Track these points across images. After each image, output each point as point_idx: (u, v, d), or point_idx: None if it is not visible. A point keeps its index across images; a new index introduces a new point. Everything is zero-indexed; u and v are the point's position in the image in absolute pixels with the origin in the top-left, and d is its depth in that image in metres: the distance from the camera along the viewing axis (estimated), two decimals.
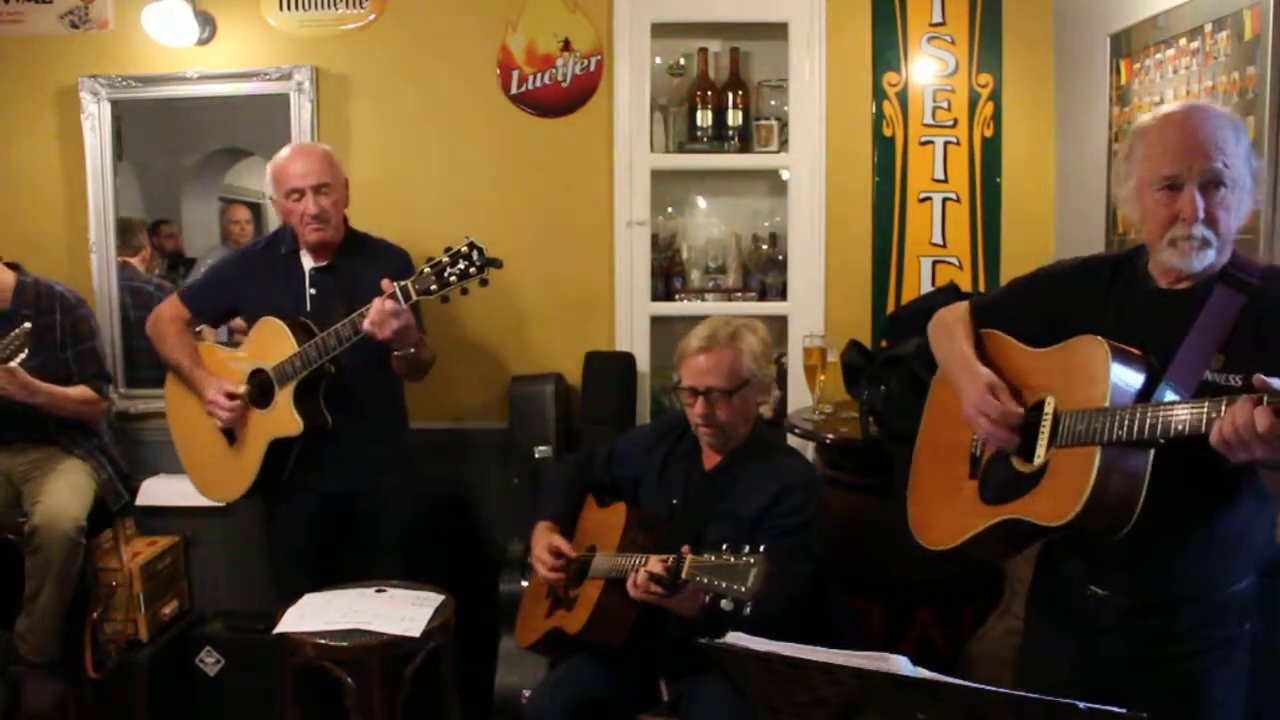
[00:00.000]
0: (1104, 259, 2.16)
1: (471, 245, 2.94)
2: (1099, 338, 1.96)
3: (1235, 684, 2.03)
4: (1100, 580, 2.07)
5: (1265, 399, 1.61)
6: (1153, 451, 1.84)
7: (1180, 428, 1.76)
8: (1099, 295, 2.10)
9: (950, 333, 2.30)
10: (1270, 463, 1.70)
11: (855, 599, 3.20)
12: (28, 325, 3.38)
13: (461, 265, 2.93)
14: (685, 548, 2.44)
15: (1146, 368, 1.92)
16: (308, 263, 3.37)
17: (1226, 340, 1.90)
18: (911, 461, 2.42)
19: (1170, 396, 1.86)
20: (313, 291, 3.34)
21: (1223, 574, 2.00)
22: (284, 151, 3.38)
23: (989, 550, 2.16)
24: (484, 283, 2.96)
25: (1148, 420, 1.80)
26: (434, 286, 2.95)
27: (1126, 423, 1.83)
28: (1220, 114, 1.95)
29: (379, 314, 2.99)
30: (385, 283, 3.01)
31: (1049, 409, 2.02)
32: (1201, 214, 1.90)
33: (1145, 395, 1.89)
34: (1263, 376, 1.63)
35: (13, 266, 3.72)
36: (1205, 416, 1.72)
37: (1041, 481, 1.99)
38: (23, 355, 3.36)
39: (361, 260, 3.37)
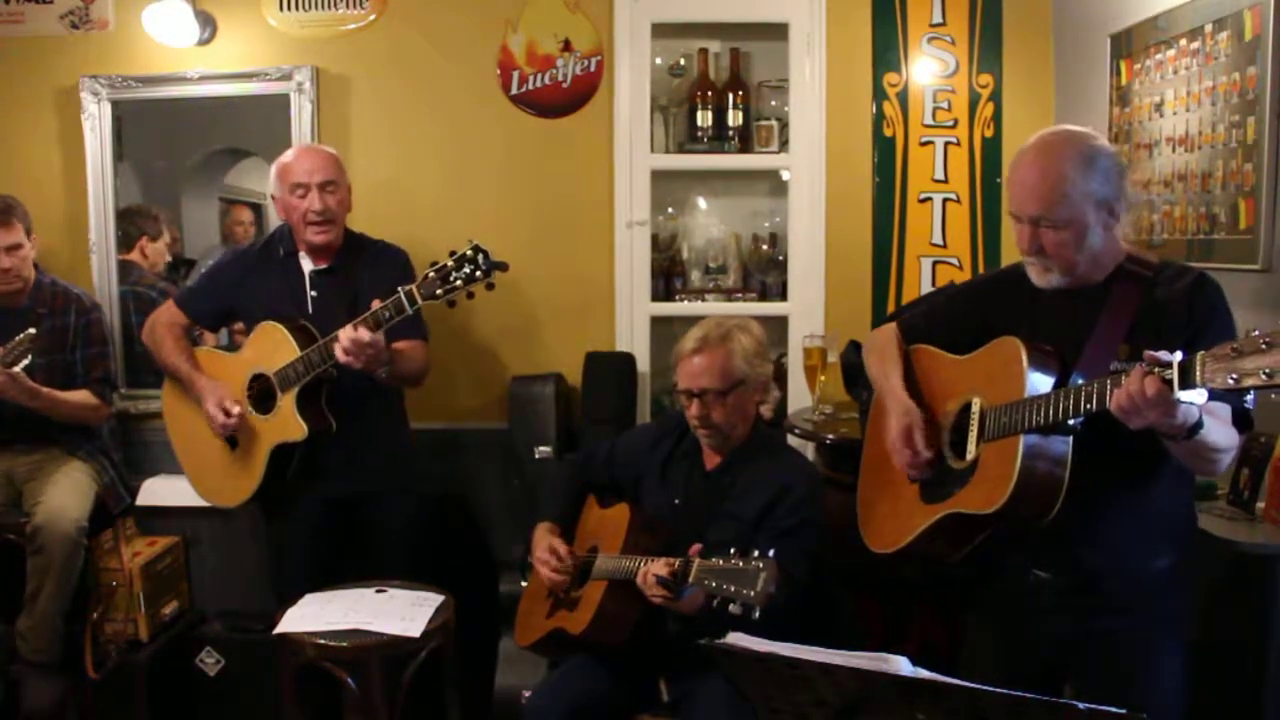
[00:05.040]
0: (1017, 269, 2.28)
1: (476, 249, 2.90)
2: (1014, 338, 2.14)
3: (1175, 656, 2.19)
4: (1040, 563, 2.22)
5: (1155, 370, 1.77)
6: (1072, 437, 2.02)
7: (1089, 405, 1.92)
8: (1016, 302, 2.26)
9: (881, 356, 2.48)
10: (1167, 430, 1.84)
11: (855, 599, 3.20)
12: (33, 331, 3.37)
13: (467, 269, 2.89)
14: (697, 547, 2.44)
15: (1059, 362, 2.11)
16: (307, 265, 3.33)
17: (1130, 331, 2.08)
18: (858, 477, 2.58)
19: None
20: (314, 294, 3.31)
21: (1151, 545, 2.16)
22: (290, 150, 3.37)
23: (934, 548, 2.28)
24: (490, 287, 2.92)
25: (1060, 403, 1.97)
26: (439, 291, 2.91)
27: (1042, 408, 2.00)
28: (1060, 156, 2.09)
29: (352, 343, 2.94)
30: (375, 303, 2.97)
31: (976, 409, 2.19)
32: (1034, 247, 2.13)
33: (1059, 386, 2.06)
34: (1152, 351, 1.79)
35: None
36: (1108, 391, 1.87)
37: (974, 475, 2.16)
38: (26, 361, 3.34)
39: (362, 262, 3.35)
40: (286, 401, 3.16)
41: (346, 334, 2.95)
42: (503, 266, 2.92)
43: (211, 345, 3.65)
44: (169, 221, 4.28)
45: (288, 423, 3.16)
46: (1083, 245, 2.09)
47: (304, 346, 3.12)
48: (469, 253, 2.90)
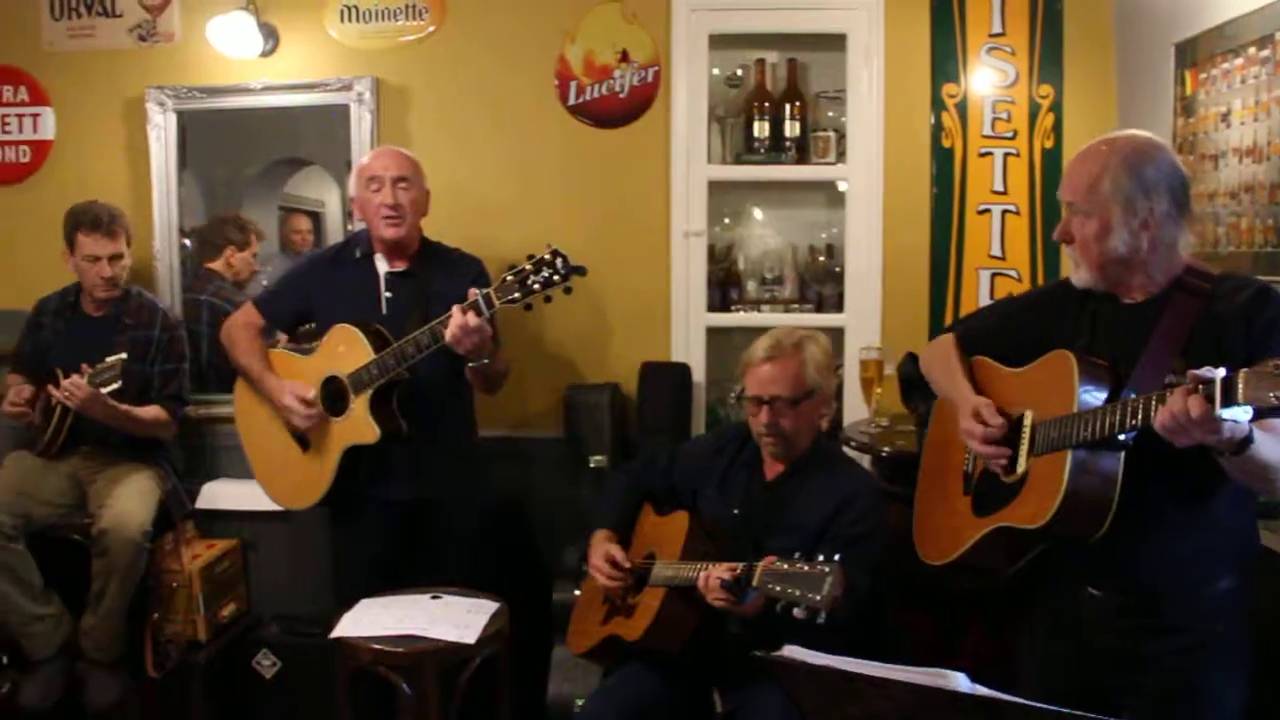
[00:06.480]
0: (1070, 281, 2.26)
1: (555, 253, 2.90)
2: (1068, 352, 2.12)
3: (1233, 680, 2.13)
4: (1094, 580, 2.18)
5: (1199, 388, 1.73)
6: (1123, 453, 1.99)
7: (1133, 421, 1.90)
8: (1074, 314, 2.24)
9: (943, 364, 2.46)
10: (1217, 446, 1.80)
11: (907, 612, 3.18)
12: (124, 356, 3.45)
13: (545, 273, 2.89)
14: (770, 559, 2.42)
15: (1111, 376, 2.08)
16: (383, 267, 3.36)
17: (1186, 345, 2.04)
18: (915, 488, 2.57)
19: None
20: (388, 295, 3.33)
21: (1209, 566, 2.11)
22: (370, 153, 3.43)
23: (986, 560, 2.27)
24: (568, 291, 2.92)
25: (1108, 418, 1.95)
26: (517, 294, 2.91)
27: (1090, 424, 1.98)
28: (1110, 151, 2.11)
29: (460, 328, 2.94)
30: (472, 291, 2.97)
31: (1027, 422, 2.17)
32: (1065, 234, 2.17)
33: (1111, 400, 2.03)
34: (1195, 371, 1.75)
35: None
36: (1153, 408, 1.84)
37: (1023, 489, 2.14)
38: (115, 385, 3.41)
39: (437, 267, 3.36)
40: (359, 404, 3.17)
41: (456, 318, 2.96)
42: (581, 271, 2.92)
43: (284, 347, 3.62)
44: (256, 233, 4.33)
45: (360, 425, 3.18)
46: (1105, 243, 2.09)
47: (378, 349, 3.13)
48: (546, 257, 2.90)
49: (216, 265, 4.27)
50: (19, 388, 3.64)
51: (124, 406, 3.57)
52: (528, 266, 2.91)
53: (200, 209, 4.34)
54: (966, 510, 2.31)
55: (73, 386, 3.42)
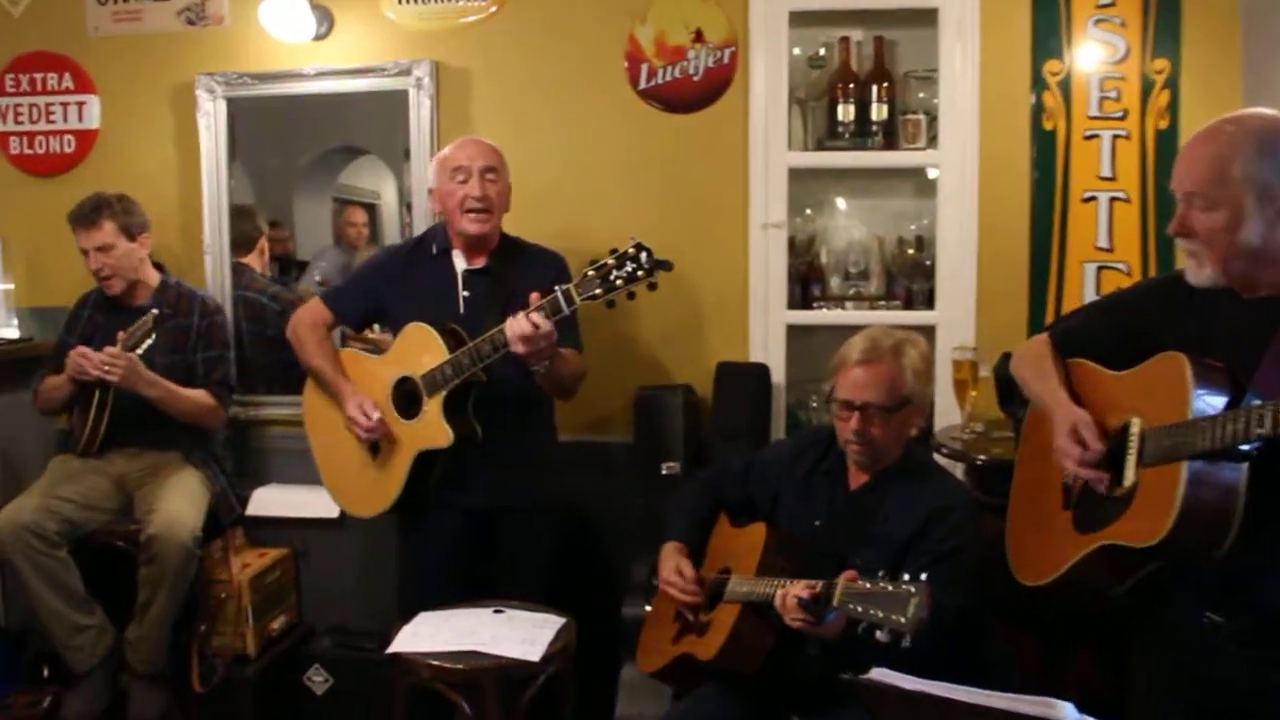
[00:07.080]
0: (1182, 275, 2.15)
1: (639, 247, 2.82)
2: (1178, 353, 2.01)
3: None
4: (1213, 605, 2.06)
5: None
6: (1247, 464, 1.87)
7: (1260, 429, 1.79)
8: (1182, 311, 2.13)
9: (1038, 368, 2.36)
10: None
11: (1008, 634, 3.04)
12: (155, 312, 3.49)
13: (629, 268, 2.81)
14: (851, 574, 2.31)
15: (1230, 379, 1.97)
16: (460, 264, 3.30)
17: None
18: (1009, 502, 2.49)
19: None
20: (466, 294, 3.27)
21: None
22: (452, 143, 3.38)
23: (1090, 581, 2.17)
24: (652, 286, 2.84)
25: (1229, 427, 1.84)
26: (599, 290, 2.83)
27: (1209, 433, 1.87)
28: (1234, 133, 1.98)
29: (526, 331, 2.86)
30: (534, 296, 2.89)
31: (1135, 430, 2.08)
32: (1182, 228, 2.04)
33: (1231, 407, 1.92)
34: None
35: (158, 267, 3.86)
36: None
37: (1132, 503, 2.05)
38: (149, 342, 3.45)
39: (517, 264, 3.30)
40: (432, 406, 3.11)
41: (520, 321, 2.88)
42: (667, 265, 2.84)
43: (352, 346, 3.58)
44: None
45: (432, 428, 3.11)
46: (1236, 235, 1.96)
47: (453, 349, 3.06)
48: (631, 250, 2.82)
49: (249, 258, 4.25)
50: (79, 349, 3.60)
51: (165, 381, 3.57)
52: (610, 261, 2.84)
53: (250, 200, 4.31)
54: (1067, 526, 2.20)
55: (109, 357, 3.43)
